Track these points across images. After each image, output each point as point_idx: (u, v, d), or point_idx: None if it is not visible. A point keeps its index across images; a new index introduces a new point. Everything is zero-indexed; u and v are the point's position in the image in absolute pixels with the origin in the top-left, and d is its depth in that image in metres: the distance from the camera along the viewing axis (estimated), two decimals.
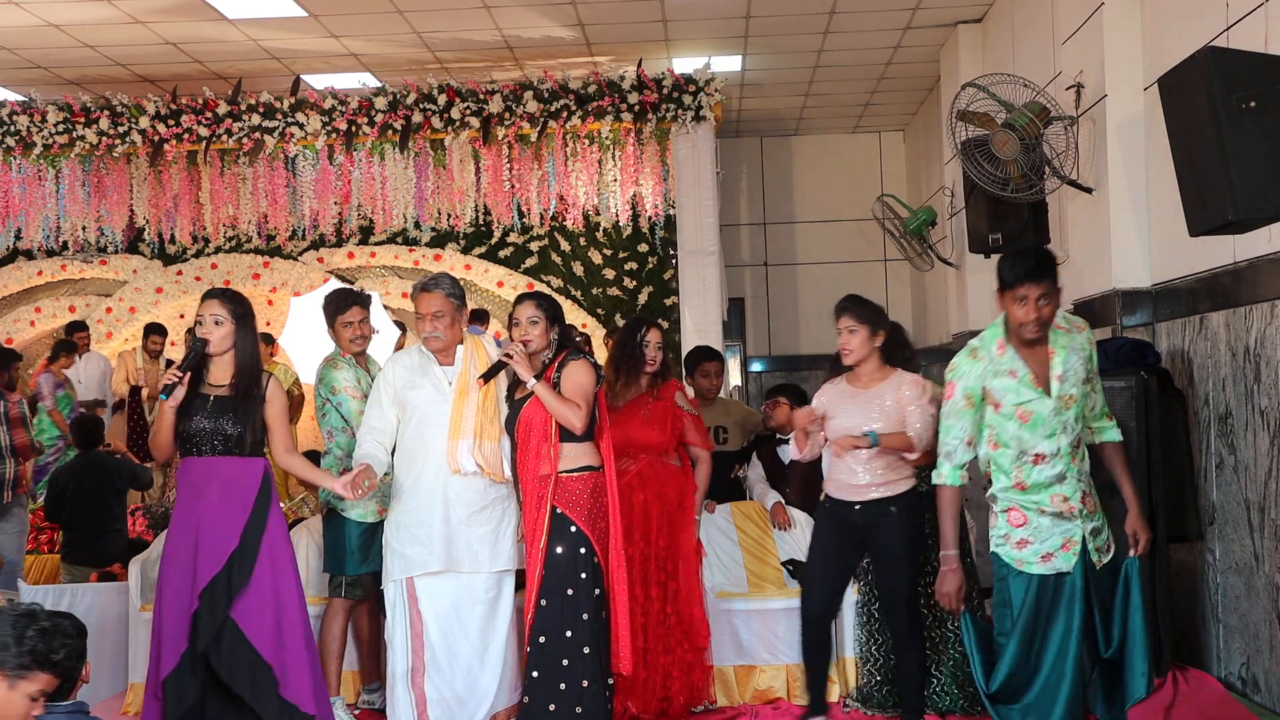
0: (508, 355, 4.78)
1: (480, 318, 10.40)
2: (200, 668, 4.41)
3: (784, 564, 5.93)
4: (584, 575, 4.73)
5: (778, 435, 6.33)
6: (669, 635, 5.32)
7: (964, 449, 4.10)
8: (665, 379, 5.48)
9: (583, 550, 4.73)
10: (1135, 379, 5.61)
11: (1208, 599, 5.75)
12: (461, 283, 12.66)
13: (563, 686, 4.67)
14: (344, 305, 5.56)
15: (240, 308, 4.70)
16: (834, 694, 5.60)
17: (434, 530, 4.83)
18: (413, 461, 4.90)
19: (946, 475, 4.12)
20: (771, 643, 5.60)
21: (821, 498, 5.16)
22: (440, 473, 4.85)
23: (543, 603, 4.71)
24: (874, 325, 4.89)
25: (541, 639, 4.70)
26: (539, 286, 11.37)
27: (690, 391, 6.19)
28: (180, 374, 4.55)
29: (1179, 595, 5.89)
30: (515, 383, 4.92)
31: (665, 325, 9.89)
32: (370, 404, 5.02)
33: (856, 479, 4.94)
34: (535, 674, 4.70)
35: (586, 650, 4.70)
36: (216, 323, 4.65)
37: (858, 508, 4.92)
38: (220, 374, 4.66)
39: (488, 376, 4.89)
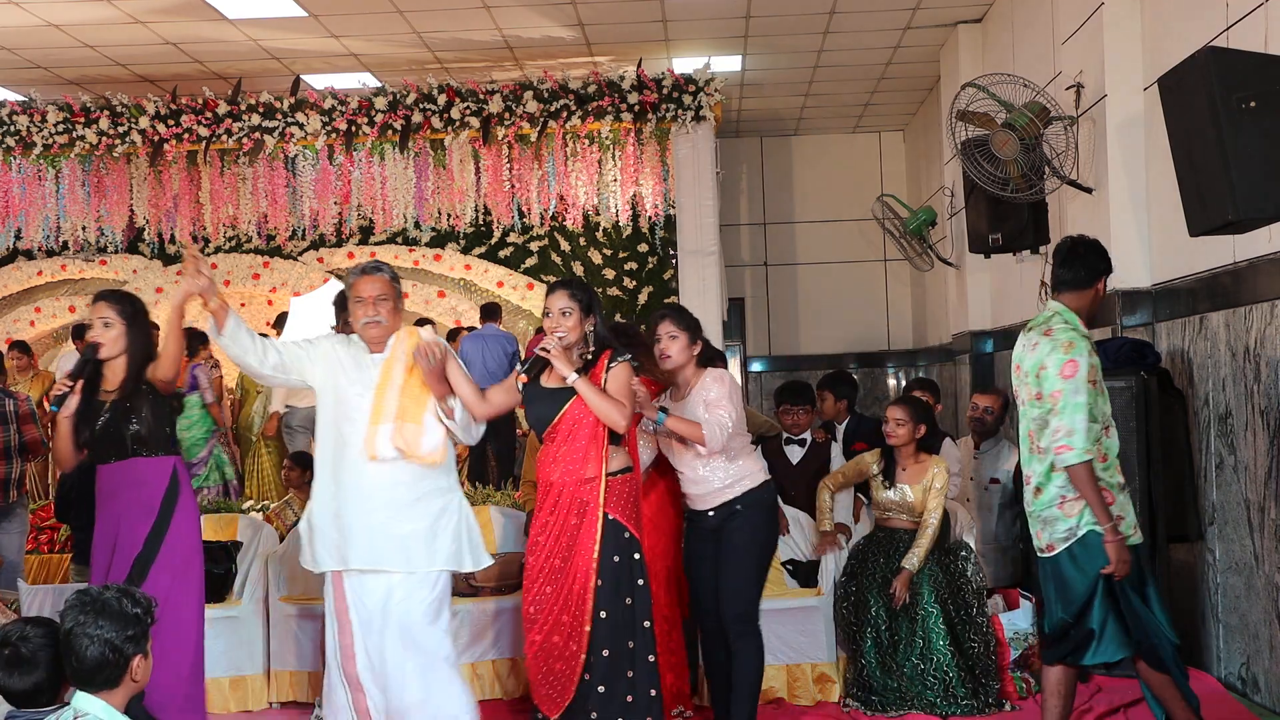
0: (545, 350, 4.48)
1: (492, 313, 10.38)
2: None
3: (784, 564, 5.93)
4: (640, 582, 4.52)
5: (786, 436, 6.32)
6: None
7: (1091, 423, 4.18)
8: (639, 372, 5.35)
9: (636, 556, 4.53)
10: (1135, 379, 5.61)
11: (1208, 599, 5.75)
12: (461, 283, 12.57)
13: (630, 699, 4.47)
14: None
15: (130, 308, 4.62)
16: (834, 694, 5.61)
17: (349, 523, 4.46)
18: (334, 450, 4.55)
19: (1090, 450, 4.14)
20: (772, 643, 5.57)
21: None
22: (359, 463, 4.48)
23: (602, 614, 4.46)
24: (693, 333, 4.83)
25: (605, 652, 4.46)
26: (539, 287, 11.36)
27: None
28: (70, 382, 4.46)
29: (1179, 595, 5.89)
30: (535, 369, 4.62)
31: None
32: (289, 341, 4.70)
33: (700, 481, 4.83)
34: (601, 689, 4.45)
35: (651, 659, 4.51)
36: (105, 325, 4.56)
37: (710, 514, 4.82)
38: (115, 378, 4.58)
39: (529, 372, 4.60)
